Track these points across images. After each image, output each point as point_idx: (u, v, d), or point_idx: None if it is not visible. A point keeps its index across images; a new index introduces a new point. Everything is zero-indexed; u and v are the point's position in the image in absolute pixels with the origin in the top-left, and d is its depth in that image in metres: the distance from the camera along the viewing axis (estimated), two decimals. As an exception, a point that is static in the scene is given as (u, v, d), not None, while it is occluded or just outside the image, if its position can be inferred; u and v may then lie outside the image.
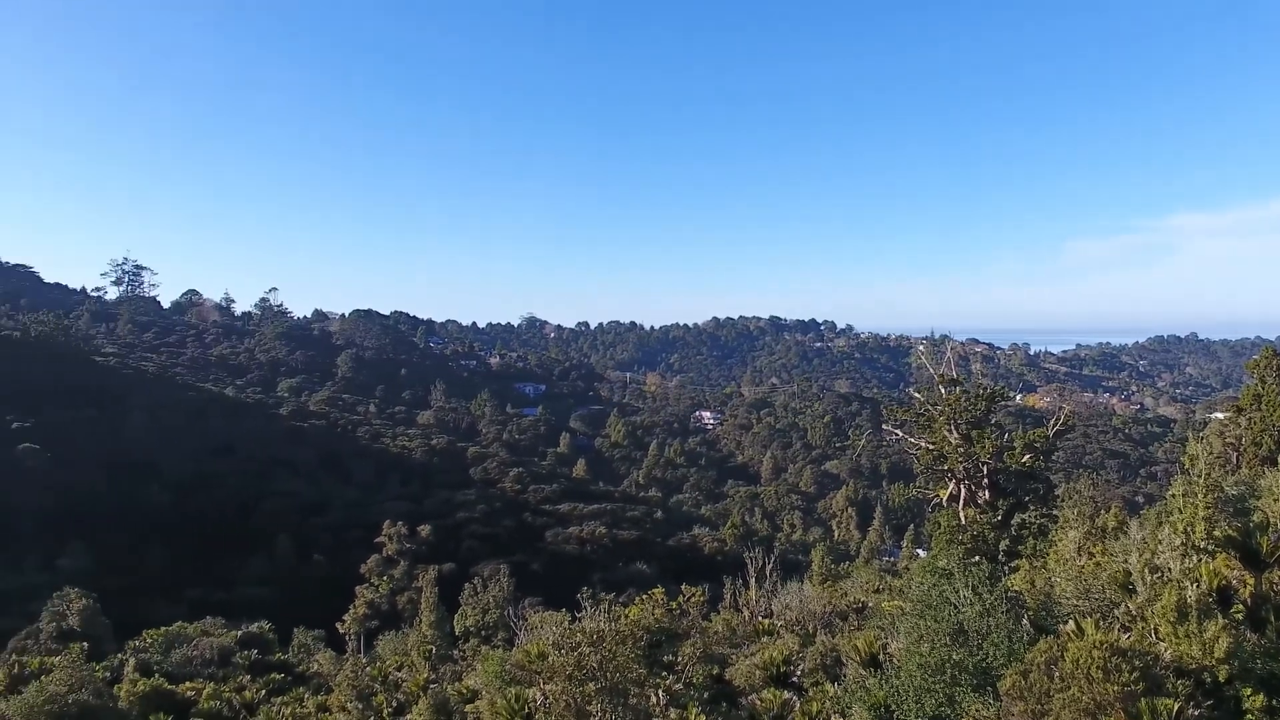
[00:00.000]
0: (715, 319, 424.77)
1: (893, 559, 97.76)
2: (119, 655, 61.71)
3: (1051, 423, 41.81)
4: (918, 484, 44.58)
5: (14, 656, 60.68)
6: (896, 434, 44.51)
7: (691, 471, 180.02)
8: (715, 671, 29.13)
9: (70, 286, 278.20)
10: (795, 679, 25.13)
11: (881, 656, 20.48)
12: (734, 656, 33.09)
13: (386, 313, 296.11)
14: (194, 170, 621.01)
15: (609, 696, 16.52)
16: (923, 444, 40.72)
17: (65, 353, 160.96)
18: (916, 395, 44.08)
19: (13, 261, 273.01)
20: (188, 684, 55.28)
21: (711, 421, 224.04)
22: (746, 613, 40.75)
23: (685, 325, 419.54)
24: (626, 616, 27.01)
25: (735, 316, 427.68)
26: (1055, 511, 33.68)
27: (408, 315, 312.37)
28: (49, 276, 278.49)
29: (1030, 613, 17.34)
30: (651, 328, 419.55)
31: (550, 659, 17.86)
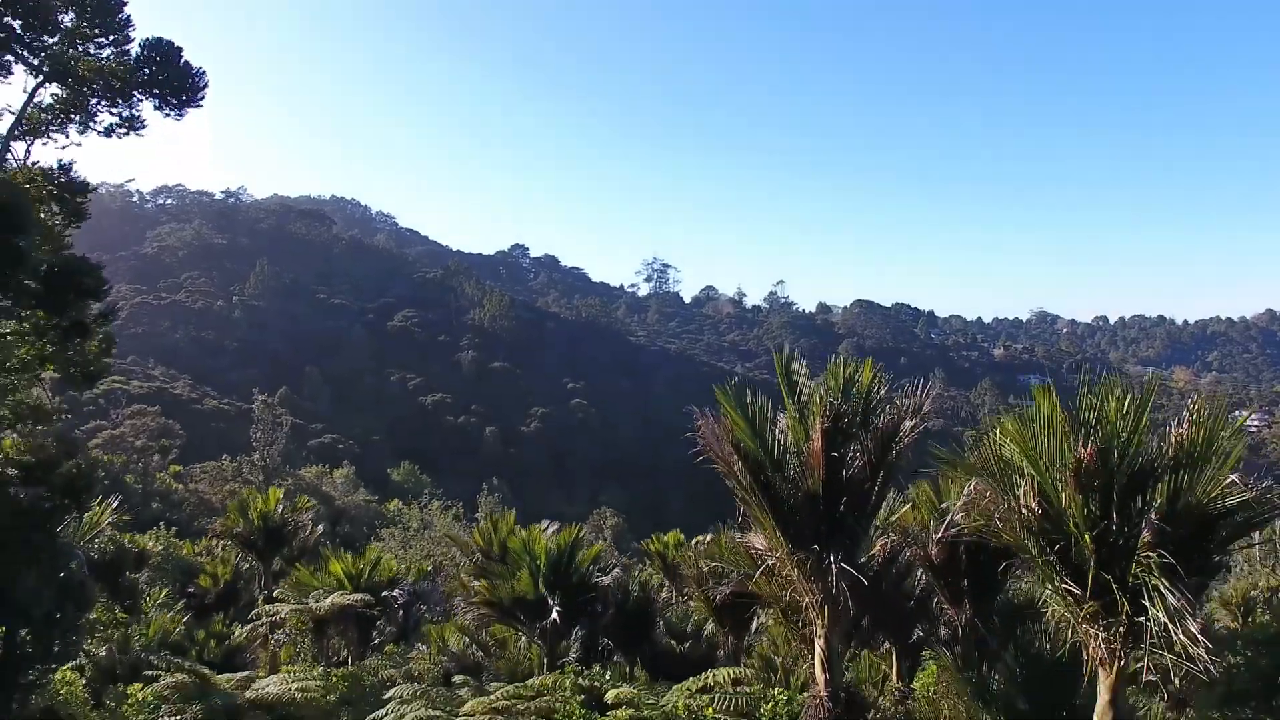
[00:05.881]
0: (1270, 311, 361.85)
1: None
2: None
3: None
4: None
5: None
6: None
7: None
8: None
9: (611, 284, 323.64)
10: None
11: None
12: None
13: (888, 304, 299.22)
14: (711, 176, 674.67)
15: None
16: None
17: (607, 332, 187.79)
18: None
19: (569, 264, 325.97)
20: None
21: (1256, 423, 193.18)
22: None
23: (1229, 319, 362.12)
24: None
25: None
26: None
27: (909, 306, 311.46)
28: (595, 277, 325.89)
29: None
30: (1185, 322, 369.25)
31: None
